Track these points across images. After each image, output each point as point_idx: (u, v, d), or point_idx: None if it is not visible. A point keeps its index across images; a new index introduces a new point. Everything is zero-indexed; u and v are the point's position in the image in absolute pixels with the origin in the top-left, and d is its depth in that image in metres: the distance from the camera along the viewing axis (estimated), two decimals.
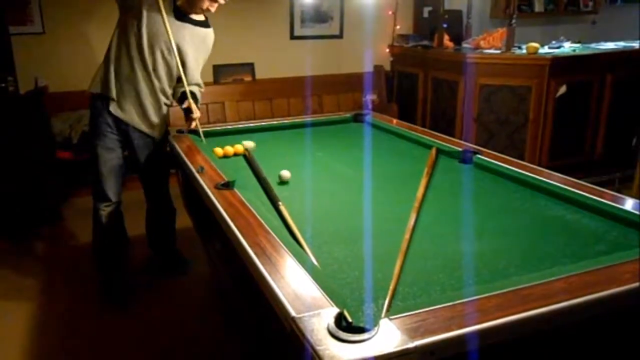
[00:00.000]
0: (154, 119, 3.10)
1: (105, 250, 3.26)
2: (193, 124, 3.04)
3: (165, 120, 3.22)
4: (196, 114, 3.04)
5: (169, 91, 3.11)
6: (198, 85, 3.18)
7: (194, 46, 3.02)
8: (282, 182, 2.37)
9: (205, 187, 2.15)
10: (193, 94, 3.09)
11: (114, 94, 2.96)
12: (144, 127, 3.08)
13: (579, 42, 5.56)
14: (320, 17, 5.80)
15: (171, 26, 2.85)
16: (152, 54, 2.92)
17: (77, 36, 4.84)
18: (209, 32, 3.10)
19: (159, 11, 2.81)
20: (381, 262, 1.62)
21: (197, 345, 2.79)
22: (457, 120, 5.09)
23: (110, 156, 3.06)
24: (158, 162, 3.26)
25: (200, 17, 3.04)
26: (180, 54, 2.95)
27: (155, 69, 2.97)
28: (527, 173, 2.31)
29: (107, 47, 3.00)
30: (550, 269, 1.51)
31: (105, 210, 3.12)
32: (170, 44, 2.88)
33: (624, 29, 6.51)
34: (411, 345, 1.12)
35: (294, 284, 1.38)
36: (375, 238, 1.83)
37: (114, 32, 2.97)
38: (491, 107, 4.81)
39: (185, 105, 3.05)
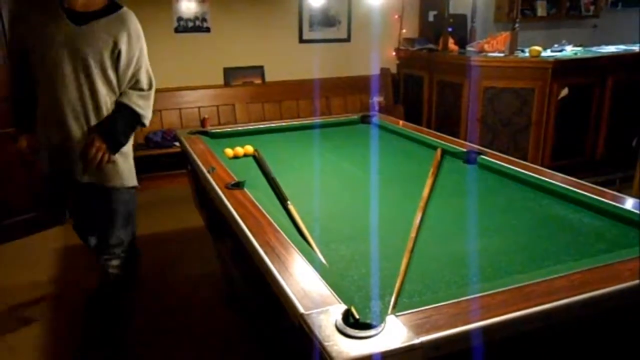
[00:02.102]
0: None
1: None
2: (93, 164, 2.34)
3: (126, 161, 2.53)
4: (94, 151, 2.32)
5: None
6: (137, 89, 2.49)
7: (118, 43, 2.37)
8: None
9: (216, 187, 2.17)
10: (119, 115, 2.42)
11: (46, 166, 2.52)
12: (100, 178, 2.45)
13: (580, 46, 5.58)
14: (328, 21, 5.85)
15: (76, 38, 2.30)
16: (69, 86, 2.34)
17: None
18: (122, 15, 2.43)
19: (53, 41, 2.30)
20: (387, 260, 1.64)
21: (206, 344, 2.82)
22: (461, 122, 5.12)
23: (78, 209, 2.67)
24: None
25: (98, 5, 2.39)
26: (110, 60, 2.38)
27: (86, 109, 2.37)
28: (529, 173, 2.32)
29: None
30: (553, 267, 1.53)
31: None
32: (88, 61, 2.33)
33: (624, 32, 6.55)
34: (417, 341, 1.14)
35: (302, 282, 1.40)
36: (382, 236, 1.84)
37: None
38: (495, 108, 4.84)
39: (89, 141, 2.34)
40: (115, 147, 2.41)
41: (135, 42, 2.44)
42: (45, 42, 2.31)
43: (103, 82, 2.38)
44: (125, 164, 2.51)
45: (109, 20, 2.38)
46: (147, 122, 2.53)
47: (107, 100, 2.41)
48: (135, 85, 2.48)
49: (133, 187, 2.58)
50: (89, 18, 2.35)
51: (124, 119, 2.44)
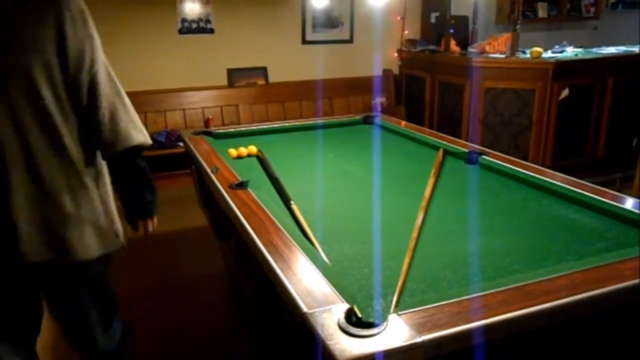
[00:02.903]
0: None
1: None
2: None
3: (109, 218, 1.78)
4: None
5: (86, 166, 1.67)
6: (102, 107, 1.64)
7: (60, 32, 1.52)
8: None
9: (220, 187, 2.18)
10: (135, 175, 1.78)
11: None
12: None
13: (581, 47, 5.59)
14: (331, 22, 5.86)
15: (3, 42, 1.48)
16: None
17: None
18: None
19: None
20: (390, 260, 1.64)
21: (206, 344, 2.82)
22: (463, 122, 5.13)
23: None
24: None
25: None
26: (57, 66, 1.54)
27: (37, 158, 1.56)
28: (530, 173, 2.33)
29: None
30: (553, 266, 1.53)
31: None
32: (30, 76, 1.49)
33: (624, 34, 6.55)
34: (419, 339, 1.15)
35: (305, 281, 1.41)
36: (384, 236, 1.85)
37: None
38: (496, 109, 4.85)
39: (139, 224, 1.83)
40: (148, 209, 1.85)
41: (82, 26, 1.57)
42: None
43: (56, 106, 1.56)
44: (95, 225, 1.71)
45: (38, 3, 1.52)
46: (147, 140, 1.81)
47: (65, 133, 1.59)
48: (95, 102, 1.61)
49: (107, 255, 1.78)
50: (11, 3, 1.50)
51: (137, 177, 1.80)
